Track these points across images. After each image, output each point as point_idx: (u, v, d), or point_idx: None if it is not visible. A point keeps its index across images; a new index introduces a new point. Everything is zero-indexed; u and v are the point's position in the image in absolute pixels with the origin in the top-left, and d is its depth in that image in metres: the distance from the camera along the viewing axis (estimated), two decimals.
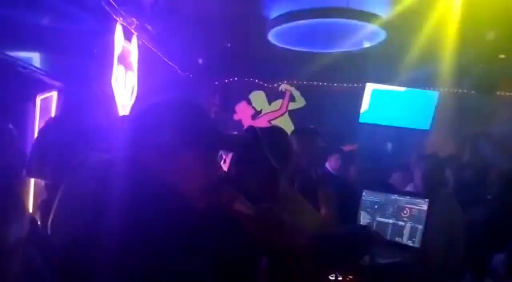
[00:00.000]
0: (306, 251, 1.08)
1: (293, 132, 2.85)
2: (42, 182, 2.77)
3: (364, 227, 1.40)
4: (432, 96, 5.84)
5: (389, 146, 6.66)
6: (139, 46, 4.10)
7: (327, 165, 3.75)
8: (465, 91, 5.07)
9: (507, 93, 5.78)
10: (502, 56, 4.27)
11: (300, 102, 6.60)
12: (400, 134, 6.26)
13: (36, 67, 2.77)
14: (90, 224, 0.86)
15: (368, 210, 1.75)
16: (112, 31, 3.49)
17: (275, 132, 1.62)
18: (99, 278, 0.77)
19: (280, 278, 1.06)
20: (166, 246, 0.79)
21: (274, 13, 4.14)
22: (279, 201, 1.50)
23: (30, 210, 2.72)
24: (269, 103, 6.56)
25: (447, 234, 2.49)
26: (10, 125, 1.95)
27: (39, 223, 2.63)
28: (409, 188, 2.65)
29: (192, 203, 0.89)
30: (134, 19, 3.80)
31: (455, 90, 6.08)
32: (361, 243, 1.11)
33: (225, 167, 2.17)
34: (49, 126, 2.43)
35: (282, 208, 1.41)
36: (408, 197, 1.64)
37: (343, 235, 1.16)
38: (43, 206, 2.54)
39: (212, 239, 0.91)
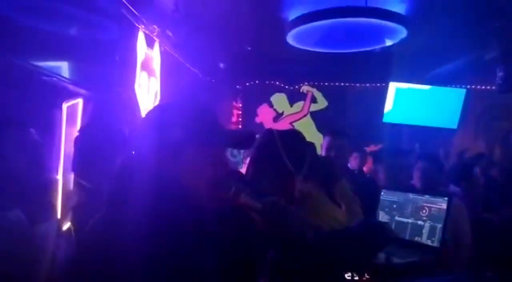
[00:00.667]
0: (313, 244, 1.09)
1: (326, 134, 2.85)
2: (72, 186, 2.89)
3: (379, 223, 1.39)
4: (459, 94, 5.68)
5: (417, 146, 6.53)
6: (161, 53, 4.20)
7: (348, 165, 3.73)
8: (493, 88, 4.90)
9: None
10: None
11: (322, 103, 6.56)
12: (428, 134, 6.13)
13: (61, 76, 2.88)
14: (107, 221, 0.90)
15: (387, 209, 1.73)
16: (134, 39, 3.58)
17: (291, 135, 1.65)
18: (115, 272, 0.80)
19: (287, 270, 1.07)
20: (175, 240, 0.82)
21: (292, 15, 4.15)
22: (293, 202, 1.52)
23: (59, 212, 2.83)
24: (291, 105, 6.55)
25: (453, 233, 2.42)
26: (32, 130, 2.06)
27: (73, 225, 2.75)
28: None
29: (200, 197, 0.92)
30: (155, 26, 3.90)
31: (483, 87, 5.90)
32: (373, 240, 1.11)
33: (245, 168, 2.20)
34: (85, 131, 2.59)
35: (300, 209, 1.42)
36: (427, 196, 1.60)
37: (353, 231, 1.16)
38: (78, 210, 2.66)
39: (219, 232, 0.93)
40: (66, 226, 2.86)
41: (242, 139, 1.08)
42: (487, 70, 4.91)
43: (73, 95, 3.04)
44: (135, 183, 0.89)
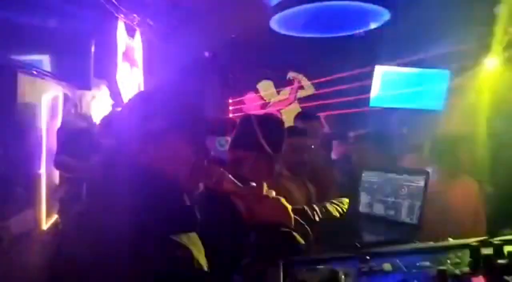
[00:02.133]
0: (292, 227, 1.10)
1: (295, 118, 2.86)
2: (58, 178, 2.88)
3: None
4: (444, 75, 5.71)
5: (405, 129, 6.57)
6: (143, 42, 4.14)
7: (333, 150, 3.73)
8: (476, 68, 4.94)
9: None
10: None
11: (309, 89, 6.54)
12: (415, 117, 6.17)
13: (41, 69, 2.84)
14: (88, 212, 0.88)
15: (368, 190, 1.75)
16: (114, 29, 3.53)
17: (269, 119, 1.65)
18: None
19: (267, 252, 1.08)
20: (158, 229, 0.81)
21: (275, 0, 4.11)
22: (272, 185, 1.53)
23: (44, 206, 2.81)
24: (278, 93, 6.53)
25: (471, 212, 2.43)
26: None
27: (60, 217, 2.74)
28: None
29: (182, 186, 0.91)
30: (135, 15, 3.83)
31: (468, 68, 5.92)
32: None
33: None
34: (65, 124, 2.58)
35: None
36: (405, 175, 1.62)
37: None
38: (65, 201, 2.66)
39: (203, 220, 0.93)
40: (53, 219, 2.85)
41: (223, 126, 1.07)
42: (472, 51, 4.93)
43: (53, 88, 3.00)
44: (116, 173, 0.87)
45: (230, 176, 1.08)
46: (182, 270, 0.81)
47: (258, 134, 1.48)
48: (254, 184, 1.12)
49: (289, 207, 1.17)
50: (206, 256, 0.92)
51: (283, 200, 1.17)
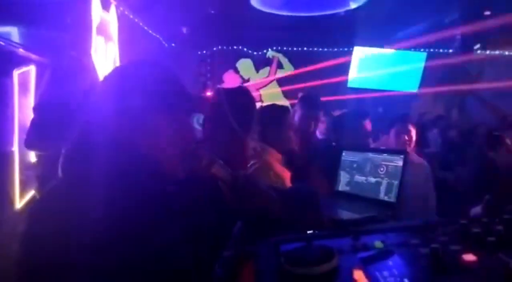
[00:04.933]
0: (278, 215, 1.10)
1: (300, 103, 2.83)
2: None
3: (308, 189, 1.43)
4: (420, 57, 5.81)
5: (380, 109, 6.69)
6: (119, 17, 3.99)
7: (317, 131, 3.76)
8: (451, 51, 5.04)
9: (493, 52, 5.76)
10: (488, 13, 4.21)
11: (288, 68, 6.54)
12: (390, 97, 6.28)
13: (11, 41, 2.70)
14: (69, 194, 0.84)
15: (348, 169, 1.78)
16: (88, 1, 3.37)
17: (238, 94, 1.57)
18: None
19: (254, 240, 1.08)
20: (142, 213, 0.78)
21: None
22: (246, 163, 1.52)
23: (17, 185, 2.73)
24: (257, 71, 6.49)
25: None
26: None
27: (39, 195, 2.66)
28: None
29: (168, 167, 0.88)
30: None
31: (443, 50, 6.04)
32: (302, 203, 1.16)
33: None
34: (40, 99, 2.45)
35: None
36: (384, 154, 1.66)
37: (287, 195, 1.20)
38: (43, 178, 2.57)
39: (188, 203, 0.91)
40: (25, 199, 2.77)
41: (200, 102, 1.04)
42: (447, 34, 5.02)
43: (25, 61, 2.86)
44: (95, 153, 0.81)
45: (220, 160, 1.04)
46: (160, 256, 0.77)
47: (226, 110, 1.42)
48: (243, 172, 1.10)
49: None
50: (189, 243, 0.89)
51: (271, 188, 1.16)
